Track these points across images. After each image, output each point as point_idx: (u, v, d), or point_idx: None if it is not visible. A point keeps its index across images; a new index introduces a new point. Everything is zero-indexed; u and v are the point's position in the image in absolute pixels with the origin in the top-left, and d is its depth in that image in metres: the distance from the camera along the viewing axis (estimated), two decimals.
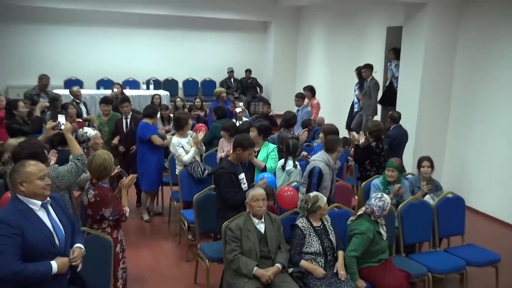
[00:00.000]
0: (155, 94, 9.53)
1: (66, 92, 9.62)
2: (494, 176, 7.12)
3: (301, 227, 4.04)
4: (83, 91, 10.11)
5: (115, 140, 6.51)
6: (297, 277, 3.91)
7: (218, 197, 4.45)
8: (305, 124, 7.66)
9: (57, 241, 2.80)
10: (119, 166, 4.32)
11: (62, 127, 4.04)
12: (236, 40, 13.65)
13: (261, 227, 3.95)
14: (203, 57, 13.25)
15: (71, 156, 3.87)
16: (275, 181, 5.00)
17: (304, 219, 4.10)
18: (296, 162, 5.42)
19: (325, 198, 4.16)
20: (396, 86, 8.97)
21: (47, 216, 2.82)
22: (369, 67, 8.78)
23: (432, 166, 5.27)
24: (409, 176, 5.77)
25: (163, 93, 11.24)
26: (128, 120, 6.61)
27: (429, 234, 4.89)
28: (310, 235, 4.04)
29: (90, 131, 4.95)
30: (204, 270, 4.54)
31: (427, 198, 5.10)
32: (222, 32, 13.37)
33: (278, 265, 3.87)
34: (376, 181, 5.18)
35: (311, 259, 4.02)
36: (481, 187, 7.35)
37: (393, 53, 9.11)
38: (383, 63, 9.70)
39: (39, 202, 2.79)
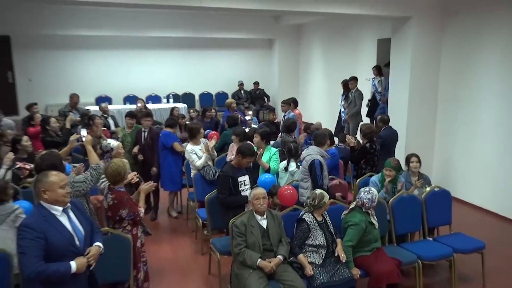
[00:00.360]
0: (174, 107, 9.54)
1: (97, 108, 9.72)
2: (478, 170, 6.97)
3: (308, 222, 3.97)
4: (111, 107, 10.25)
5: (135, 149, 6.39)
6: (297, 267, 3.84)
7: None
8: (305, 128, 7.62)
9: (77, 242, 2.79)
10: (135, 172, 4.26)
11: (84, 139, 4.04)
12: (244, 57, 13.62)
13: (263, 223, 3.91)
14: (216, 72, 13.24)
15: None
16: (274, 180, 4.92)
17: (310, 214, 4.03)
18: (298, 163, 5.35)
19: (326, 197, 4.08)
20: (379, 100, 8.90)
21: (67, 220, 2.80)
22: (354, 79, 8.74)
23: (419, 161, 5.15)
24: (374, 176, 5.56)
25: (181, 105, 11.29)
26: (146, 133, 6.49)
27: (419, 225, 4.78)
28: (316, 229, 3.96)
29: (113, 143, 4.96)
30: (216, 262, 4.48)
31: (416, 192, 4.98)
32: (232, 50, 13.36)
33: (280, 256, 3.82)
34: (375, 178, 5.07)
35: (314, 251, 3.94)
36: (467, 180, 7.20)
37: (376, 69, 9.00)
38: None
39: (61, 208, 2.78)
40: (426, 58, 7.44)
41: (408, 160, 5.20)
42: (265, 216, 3.94)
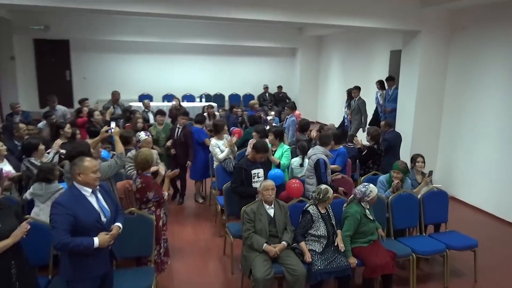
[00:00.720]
0: (209, 104, 9.71)
1: (140, 104, 9.88)
2: (479, 174, 6.67)
3: (312, 213, 3.89)
4: (152, 103, 10.36)
5: (169, 143, 6.31)
6: (298, 253, 3.77)
7: None
8: (319, 129, 7.46)
9: (103, 219, 2.82)
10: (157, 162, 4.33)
11: (113, 130, 4.08)
12: (270, 63, 13.55)
13: (271, 211, 3.86)
14: (244, 76, 13.23)
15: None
16: (283, 175, 4.84)
17: (314, 206, 3.94)
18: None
19: (332, 190, 3.99)
20: (380, 111, 8.63)
21: (96, 200, 2.84)
22: (357, 88, 8.51)
23: (424, 161, 5.00)
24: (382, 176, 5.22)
25: (213, 104, 11.32)
26: (179, 130, 6.31)
27: (416, 221, 4.60)
28: (318, 220, 3.89)
29: (142, 135, 4.94)
30: (230, 245, 4.48)
31: (425, 189, 4.80)
32: (259, 56, 13.31)
33: (284, 242, 3.77)
34: (382, 178, 4.87)
35: (316, 240, 3.87)
36: (469, 183, 6.90)
37: (378, 84, 8.71)
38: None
39: (90, 190, 2.82)
40: (433, 69, 7.16)
41: (414, 160, 5.02)
42: (273, 206, 3.89)
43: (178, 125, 6.31)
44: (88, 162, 2.82)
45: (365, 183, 4.09)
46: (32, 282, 2.97)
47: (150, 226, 3.72)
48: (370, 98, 8.99)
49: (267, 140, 5.13)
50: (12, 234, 2.74)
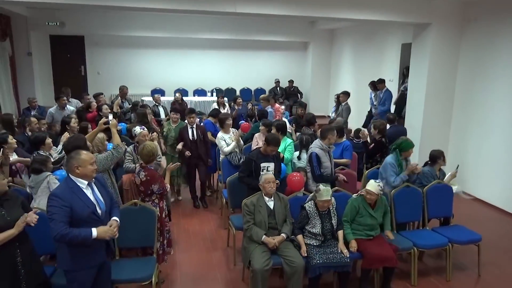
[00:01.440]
0: (218, 95, 9.85)
1: (151, 98, 10.00)
2: (489, 168, 6.55)
3: (308, 210, 3.85)
4: (164, 98, 10.49)
5: (179, 146, 5.84)
6: (297, 245, 3.80)
7: None
8: (329, 123, 7.43)
9: (99, 211, 2.89)
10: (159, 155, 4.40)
11: (110, 122, 4.17)
12: (281, 57, 13.47)
13: (271, 204, 3.88)
14: (256, 70, 13.19)
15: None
16: (285, 169, 4.85)
17: (312, 203, 3.89)
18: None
19: (326, 195, 3.75)
20: (373, 112, 8.57)
21: (91, 192, 2.90)
22: (345, 94, 8.35)
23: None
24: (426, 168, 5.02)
25: (224, 99, 11.33)
26: (194, 130, 5.88)
27: (419, 215, 4.56)
28: (315, 218, 3.82)
29: (137, 129, 4.88)
30: (233, 236, 4.55)
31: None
32: (270, 51, 13.25)
33: (283, 234, 3.80)
34: (390, 160, 4.64)
35: (312, 237, 3.85)
36: (478, 177, 6.78)
37: (371, 85, 8.61)
38: (398, 73, 9.21)
39: (86, 182, 2.88)
40: (443, 62, 7.03)
41: (439, 157, 4.80)
42: (272, 198, 3.91)
43: (189, 125, 5.90)
44: (84, 155, 2.89)
45: (377, 181, 3.98)
46: (38, 271, 3.08)
47: (152, 217, 3.81)
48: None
49: (275, 134, 5.09)
50: (16, 224, 2.86)
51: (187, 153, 5.80)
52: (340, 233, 3.88)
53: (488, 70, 6.53)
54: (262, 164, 4.43)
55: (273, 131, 5.12)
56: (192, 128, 5.89)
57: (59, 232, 2.66)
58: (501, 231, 5.62)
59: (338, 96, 8.64)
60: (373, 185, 3.91)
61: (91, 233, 2.76)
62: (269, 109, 7.88)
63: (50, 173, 3.89)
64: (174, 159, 5.91)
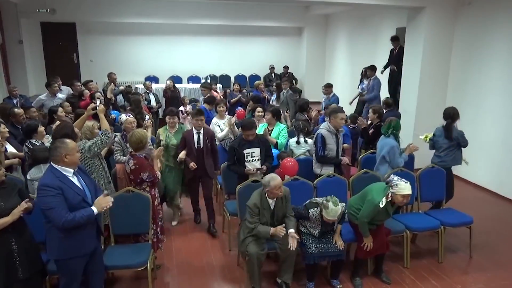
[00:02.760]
0: (211, 82, 9.76)
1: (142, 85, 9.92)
2: (482, 151, 6.57)
3: (311, 216, 3.64)
4: (157, 85, 10.43)
5: (182, 155, 4.68)
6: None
7: None
8: (325, 108, 7.44)
9: (87, 197, 2.89)
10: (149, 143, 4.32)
11: (98, 108, 4.14)
12: (276, 43, 13.37)
13: (272, 204, 3.70)
14: (250, 56, 13.10)
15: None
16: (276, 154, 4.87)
17: (317, 210, 3.63)
18: (306, 138, 5.22)
19: (332, 215, 3.48)
20: (364, 100, 8.42)
21: (77, 180, 2.89)
22: (373, 68, 8.20)
23: None
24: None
25: (218, 85, 11.29)
26: (201, 136, 4.71)
27: (412, 199, 4.58)
28: (316, 223, 3.67)
29: (123, 117, 4.73)
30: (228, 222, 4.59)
31: None
32: (265, 36, 13.14)
33: (291, 230, 3.60)
34: (394, 143, 4.53)
35: (308, 233, 3.77)
36: (471, 160, 6.76)
37: (365, 71, 8.46)
38: None
39: (72, 170, 2.86)
40: (438, 46, 6.99)
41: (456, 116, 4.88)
42: (274, 199, 3.71)
43: (195, 130, 4.74)
44: (72, 143, 2.87)
45: (403, 179, 3.61)
46: (34, 259, 3.08)
47: (146, 204, 3.82)
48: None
49: (252, 119, 4.96)
50: (12, 212, 2.85)
51: (192, 165, 4.61)
52: (339, 226, 3.75)
53: (482, 54, 6.51)
54: (245, 151, 4.37)
55: (268, 116, 5.11)
56: (198, 133, 4.73)
57: (65, 219, 2.67)
58: (493, 213, 5.69)
59: (365, 71, 8.47)
60: (409, 188, 3.54)
61: (93, 211, 2.79)
62: (233, 95, 7.93)
63: None
64: (176, 171, 4.97)
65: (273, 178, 3.60)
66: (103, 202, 2.86)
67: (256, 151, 4.41)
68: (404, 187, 3.49)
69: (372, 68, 8.23)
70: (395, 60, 8.42)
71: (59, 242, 2.82)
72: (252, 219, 3.63)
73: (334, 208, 3.47)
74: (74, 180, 2.86)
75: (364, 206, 3.65)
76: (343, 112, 4.61)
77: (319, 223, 3.70)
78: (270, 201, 3.68)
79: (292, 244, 3.51)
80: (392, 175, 3.80)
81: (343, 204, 3.64)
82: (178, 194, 5.19)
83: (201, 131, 4.73)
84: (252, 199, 3.70)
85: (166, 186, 4.94)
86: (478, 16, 6.53)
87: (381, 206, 3.49)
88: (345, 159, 4.74)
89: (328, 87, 8.33)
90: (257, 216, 3.63)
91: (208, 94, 7.49)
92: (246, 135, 4.35)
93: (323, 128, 4.57)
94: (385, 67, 8.76)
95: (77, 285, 2.99)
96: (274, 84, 12.28)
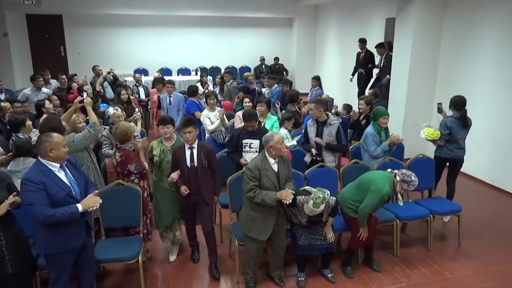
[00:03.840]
0: (202, 74, 9.77)
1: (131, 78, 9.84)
2: (472, 141, 6.60)
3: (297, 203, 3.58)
4: (146, 78, 10.34)
5: (174, 175, 3.79)
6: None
7: None
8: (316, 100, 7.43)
9: (73, 193, 2.85)
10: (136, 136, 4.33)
11: (85, 101, 4.09)
12: (266, 34, 13.31)
13: (275, 167, 3.52)
14: (240, 48, 13.03)
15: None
16: None
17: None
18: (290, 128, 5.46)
19: (309, 211, 3.42)
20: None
21: (64, 175, 2.85)
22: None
23: None
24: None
25: (209, 77, 11.22)
26: (195, 151, 3.77)
27: (431, 183, 4.65)
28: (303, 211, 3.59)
29: (110, 110, 4.74)
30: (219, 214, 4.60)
31: None
32: (255, 28, 13.08)
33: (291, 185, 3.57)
34: (370, 130, 4.58)
35: (296, 220, 3.75)
36: None
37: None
38: None
39: (58, 165, 2.82)
40: (427, 36, 7.02)
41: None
42: (276, 160, 3.55)
43: (186, 145, 3.78)
44: (56, 137, 2.82)
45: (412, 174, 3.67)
46: (23, 254, 3.05)
47: (137, 197, 3.80)
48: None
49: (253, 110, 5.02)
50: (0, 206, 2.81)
51: (184, 189, 3.75)
52: (330, 219, 3.71)
53: (471, 44, 6.55)
54: (245, 141, 4.39)
55: (263, 108, 5.13)
56: (191, 148, 3.79)
57: (45, 214, 2.64)
58: (483, 202, 5.78)
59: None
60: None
61: (77, 208, 2.74)
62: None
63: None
64: (174, 193, 4.01)
65: (275, 133, 3.54)
66: (90, 202, 2.80)
67: (255, 143, 4.35)
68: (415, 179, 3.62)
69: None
70: (362, 63, 8.72)
71: (46, 236, 2.80)
72: (249, 185, 3.36)
73: (311, 209, 3.37)
74: (61, 175, 2.83)
75: (368, 197, 3.59)
76: (314, 102, 4.64)
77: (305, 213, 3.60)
78: (272, 162, 3.49)
79: (287, 197, 3.35)
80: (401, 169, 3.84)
81: (333, 198, 3.59)
82: (176, 223, 4.24)
83: (195, 146, 3.80)
84: (253, 161, 3.50)
85: (160, 212, 4.08)
86: (467, 7, 6.56)
87: (388, 190, 3.53)
88: (317, 139, 4.55)
89: (314, 79, 8.33)
90: (257, 181, 3.38)
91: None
92: (246, 126, 4.38)
93: (308, 120, 4.70)
94: (353, 74, 9.07)
95: (66, 279, 2.98)
96: (265, 75, 12.34)
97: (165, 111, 6.78)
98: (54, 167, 2.80)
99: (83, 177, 3.07)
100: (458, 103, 4.82)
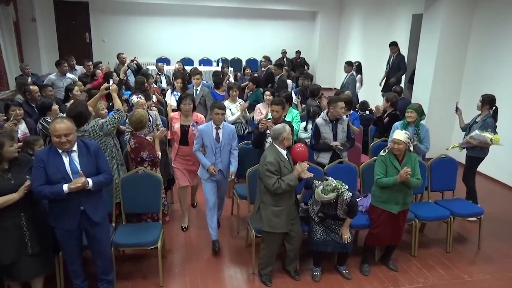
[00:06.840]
0: (223, 65, 9.77)
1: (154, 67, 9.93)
2: (495, 145, 6.47)
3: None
4: (169, 67, 10.40)
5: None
6: (301, 217, 3.80)
7: None
8: (335, 94, 7.34)
9: (70, 179, 2.87)
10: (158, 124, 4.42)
11: (111, 88, 4.14)
12: (289, 27, 13.22)
13: (287, 157, 3.65)
14: (262, 40, 12.99)
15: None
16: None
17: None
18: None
19: (320, 197, 3.45)
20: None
21: (68, 160, 2.90)
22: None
23: None
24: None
25: (230, 69, 11.23)
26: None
27: (422, 188, 4.55)
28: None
29: (134, 98, 4.67)
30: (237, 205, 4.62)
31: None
32: (277, 20, 12.99)
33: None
34: (397, 124, 4.69)
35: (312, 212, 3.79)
36: None
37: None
38: (407, 46, 8.98)
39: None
40: (455, 33, 6.83)
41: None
42: (286, 151, 3.66)
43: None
44: (55, 125, 2.81)
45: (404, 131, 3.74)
46: (44, 234, 3.12)
47: (158, 184, 3.86)
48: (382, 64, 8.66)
49: None
50: (19, 189, 2.90)
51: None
52: (348, 219, 3.63)
53: (501, 44, 6.35)
54: (267, 130, 4.32)
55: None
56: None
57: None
58: (505, 205, 5.64)
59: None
60: (399, 133, 3.62)
61: (63, 188, 2.82)
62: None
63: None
64: None
65: (283, 126, 3.58)
66: (74, 183, 2.83)
67: None
68: (395, 134, 3.64)
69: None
70: (395, 69, 8.05)
71: (49, 210, 3.04)
72: (272, 179, 3.39)
73: (319, 194, 3.42)
74: (65, 159, 2.90)
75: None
76: (342, 101, 4.50)
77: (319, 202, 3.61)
78: (284, 152, 3.58)
79: (304, 168, 3.48)
80: None
81: (350, 194, 3.49)
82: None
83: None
84: (268, 156, 3.49)
85: None
86: (499, 4, 6.34)
87: (382, 153, 3.70)
88: (334, 143, 4.50)
89: (347, 65, 8.24)
90: (279, 174, 3.44)
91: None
92: (271, 110, 4.38)
93: (320, 118, 4.60)
94: (386, 82, 8.27)
95: (73, 260, 3.16)
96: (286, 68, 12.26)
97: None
98: (60, 149, 2.90)
99: (95, 166, 3.02)
100: (494, 100, 4.87)
